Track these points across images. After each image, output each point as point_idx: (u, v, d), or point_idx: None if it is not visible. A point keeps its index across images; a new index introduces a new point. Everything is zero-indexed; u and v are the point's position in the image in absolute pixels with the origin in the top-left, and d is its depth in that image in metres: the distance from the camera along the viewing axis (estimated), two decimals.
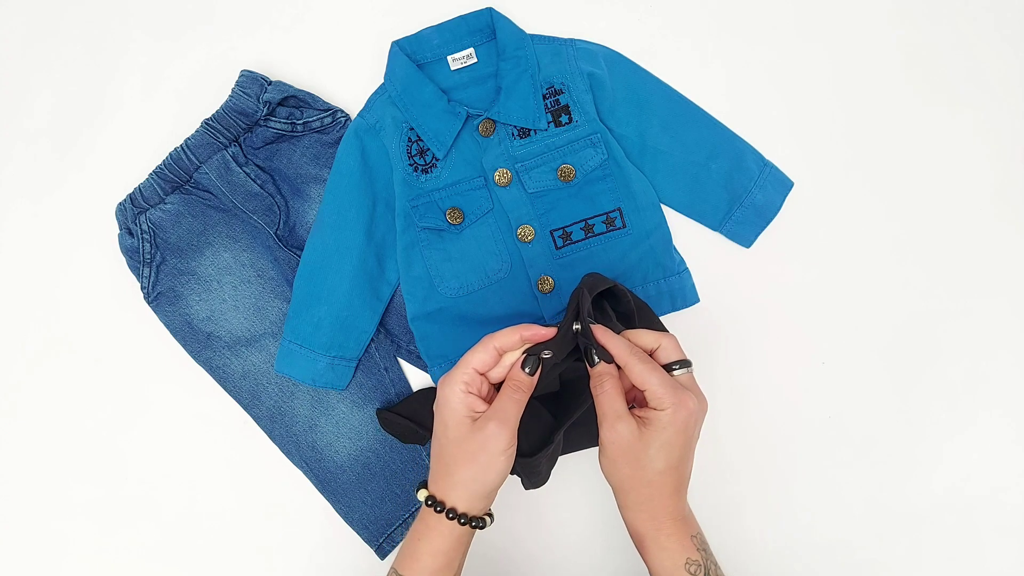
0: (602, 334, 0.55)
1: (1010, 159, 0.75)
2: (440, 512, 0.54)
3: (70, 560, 0.79)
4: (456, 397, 0.54)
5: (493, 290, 0.74)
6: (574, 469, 0.74)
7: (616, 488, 0.56)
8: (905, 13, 0.76)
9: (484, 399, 0.56)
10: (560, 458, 0.73)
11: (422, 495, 0.56)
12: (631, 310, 0.61)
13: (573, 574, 0.75)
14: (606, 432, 0.54)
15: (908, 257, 0.75)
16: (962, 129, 0.76)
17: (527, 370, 0.55)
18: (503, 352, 0.56)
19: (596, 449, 0.72)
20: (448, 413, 0.54)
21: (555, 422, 0.60)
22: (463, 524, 0.55)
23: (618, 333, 0.56)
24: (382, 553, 0.75)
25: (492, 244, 0.74)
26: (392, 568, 0.57)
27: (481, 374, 0.55)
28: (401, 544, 0.58)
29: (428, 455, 0.76)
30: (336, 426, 0.76)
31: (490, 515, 0.58)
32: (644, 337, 0.56)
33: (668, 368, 0.55)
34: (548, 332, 0.56)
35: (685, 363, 0.56)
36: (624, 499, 0.56)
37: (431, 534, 0.55)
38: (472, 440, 0.53)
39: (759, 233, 0.75)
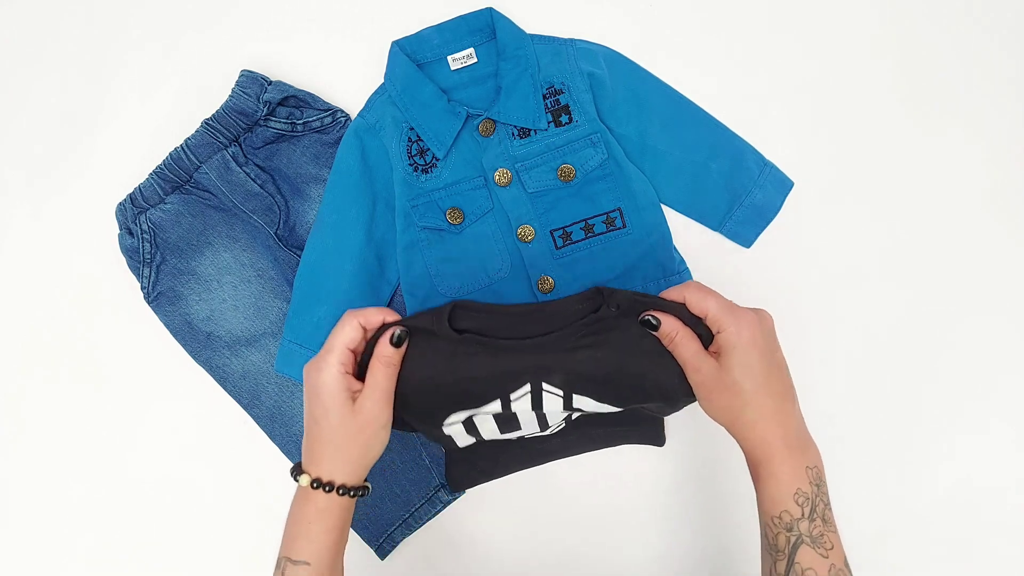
0: (656, 297, 0.57)
1: (1010, 159, 0.75)
2: (330, 492, 0.56)
3: (70, 560, 0.79)
4: (336, 381, 0.55)
5: (493, 290, 0.74)
6: (575, 471, 0.74)
7: (724, 425, 0.57)
8: (905, 13, 0.76)
9: (355, 376, 0.58)
10: (564, 460, 0.73)
11: (305, 480, 0.56)
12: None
13: (572, 573, 0.75)
14: (692, 376, 0.56)
15: (908, 256, 0.75)
16: (962, 129, 0.76)
17: (394, 342, 0.56)
18: (368, 328, 0.57)
19: (597, 453, 0.73)
20: (328, 398, 0.55)
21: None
22: (353, 496, 0.57)
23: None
24: (382, 553, 0.75)
25: (492, 244, 0.74)
26: (283, 557, 0.57)
27: (350, 351, 0.57)
28: (287, 531, 0.58)
29: (428, 455, 0.76)
30: None
31: (367, 483, 0.60)
32: (671, 292, 0.58)
33: None
34: (386, 315, 0.58)
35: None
36: (733, 432, 0.57)
37: (324, 515, 0.56)
38: (356, 420, 0.56)
39: (759, 233, 0.75)
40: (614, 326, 0.56)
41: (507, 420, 0.62)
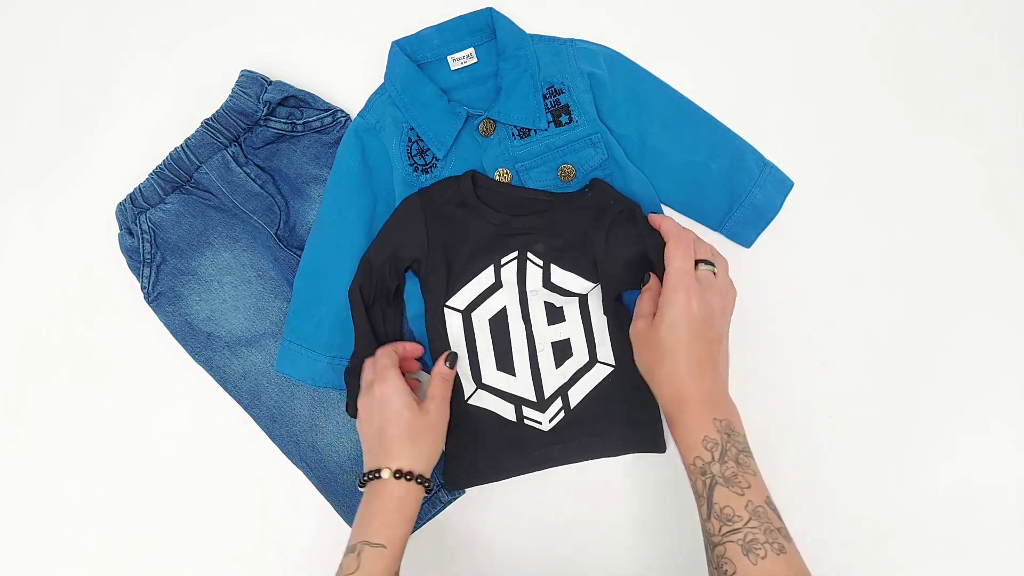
0: (658, 220, 0.67)
1: (1009, 159, 0.75)
2: (410, 480, 0.63)
3: (70, 560, 0.78)
4: (403, 386, 0.66)
5: None
6: (576, 473, 0.74)
7: (645, 377, 0.65)
8: (904, 14, 0.77)
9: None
10: (568, 466, 0.73)
11: (387, 473, 0.63)
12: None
13: (572, 574, 0.75)
14: (630, 329, 0.66)
15: (908, 256, 0.75)
16: (961, 129, 0.76)
17: (448, 364, 0.69)
18: (399, 354, 0.70)
19: (599, 461, 0.73)
20: (399, 400, 0.65)
21: None
22: (427, 486, 0.65)
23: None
24: None
25: None
26: (360, 542, 0.61)
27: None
28: (360, 520, 0.63)
29: None
30: (336, 426, 0.76)
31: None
32: (665, 224, 0.67)
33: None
34: (417, 349, 0.72)
35: (708, 263, 0.64)
36: (652, 385, 0.64)
37: (402, 503, 0.63)
38: (425, 418, 0.65)
39: (759, 233, 0.75)
40: (604, 229, 0.69)
41: (500, 329, 0.71)
